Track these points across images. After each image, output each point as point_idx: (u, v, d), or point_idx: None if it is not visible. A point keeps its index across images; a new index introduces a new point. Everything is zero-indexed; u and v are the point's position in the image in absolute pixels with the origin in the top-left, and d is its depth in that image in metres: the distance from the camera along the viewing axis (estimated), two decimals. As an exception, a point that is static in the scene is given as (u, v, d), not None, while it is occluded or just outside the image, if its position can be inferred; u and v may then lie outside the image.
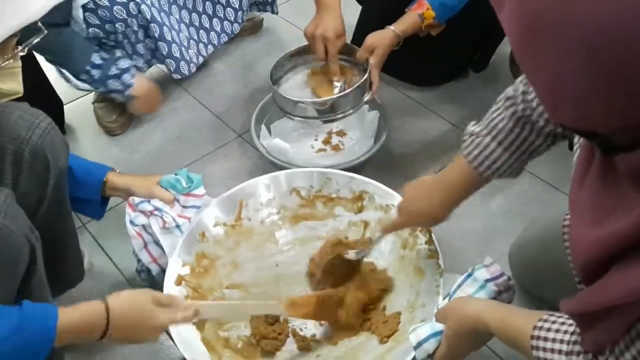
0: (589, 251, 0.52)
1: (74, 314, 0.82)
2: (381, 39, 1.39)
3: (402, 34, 1.39)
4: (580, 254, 0.53)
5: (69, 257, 1.17)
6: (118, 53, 1.53)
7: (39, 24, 0.81)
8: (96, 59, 1.48)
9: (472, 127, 0.93)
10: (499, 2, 0.43)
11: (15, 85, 0.85)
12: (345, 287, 1.13)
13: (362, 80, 1.39)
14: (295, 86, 1.50)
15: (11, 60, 0.81)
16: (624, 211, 0.47)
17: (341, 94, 1.39)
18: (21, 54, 0.82)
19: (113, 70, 1.50)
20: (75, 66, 1.48)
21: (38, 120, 0.98)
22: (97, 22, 1.46)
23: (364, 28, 1.61)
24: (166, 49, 1.58)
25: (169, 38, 1.57)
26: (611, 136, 0.43)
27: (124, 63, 1.52)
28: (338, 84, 1.47)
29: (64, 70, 1.53)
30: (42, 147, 0.97)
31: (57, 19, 1.40)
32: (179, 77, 1.65)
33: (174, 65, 1.62)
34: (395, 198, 1.19)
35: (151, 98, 1.61)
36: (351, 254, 1.14)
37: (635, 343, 0.52)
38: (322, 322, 1.12)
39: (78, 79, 1.52)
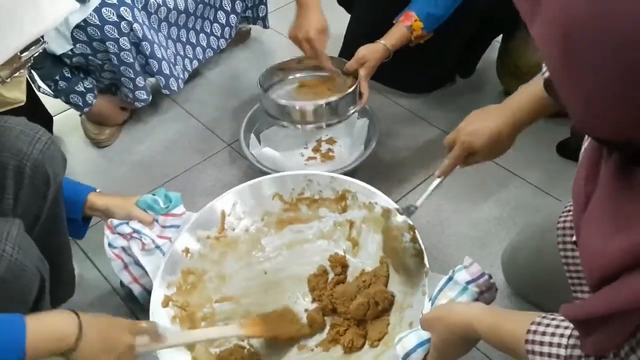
0: (610, 261, 0.50)
1: (42, 319, 0.79)
2: (373, 52, 1.40)
3: (392, 47, 1.41)
4: (597, 263, 0.52)
5: (63, 273, 1.15)
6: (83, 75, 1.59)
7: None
8: (66, 71, 1.53)
9: None
10: (531, 12, 0.42)
11: (18, 94, 0.84)
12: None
13: (352, 89, 1.39)
14: (283, 96, 1.49)
15: (21, 70, 0.81)
16: None
17: (330, 99, 1.38)
18: (29, 63, 0.82)
19: (79, 87, 1.56)
20: (47, 72, 1.51)
21: (38, 134, 0.97)
22: (85, 39, 1.45)
23: (352, 37, 1.61)
24: (156, 66, 1.58)
25: (159, 55, 1.57)
26: None
27: (89, 83, 1.58)
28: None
29: (33, 71, 1.54)
30: (43, 162, 0.96)
31: None
32: (168, 93, 1.66)
33: (164, 82, 1.62)
34: (378, 196, 1.18)
35: (103, 118, 1.68)
36: (399, 216, 1.09)
37: None
38: (278, 338, 1.10)
39: (44, 82, 1.55)
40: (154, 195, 1.16)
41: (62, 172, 1.03)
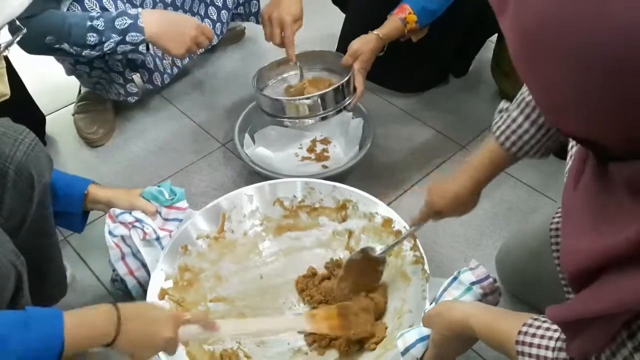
0: (585, 260, 0.50)
1: (80, 312, 0.79)
2: (365, 44, 1.39)
3: (385, 37, 1.39)
4: (573, 262, 0.52)
5: (52, 274, 1.14)
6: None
7: (17, 22, 0.79)
8: (93, 13, 1.37)
9: (504, 104, 0.91)
10: (501, 4, 0.42)
11: (2, 87, 0.83)
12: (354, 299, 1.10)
13: (344, 81, 1.38)
14: (274, 94, 1.48)
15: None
16: (623, 222, 0.46)
17: (323, 92, 1.37)
18: (5, 53, 0.80)
19: (115, 15, 1.36)
20: (77, 31, 1.34)
21: (22, 136, 0.95)
22: None
23: (348, 36, 1.61)
24: (139, 60, 1.57)
25: None
26: (612, 147, 0.42)
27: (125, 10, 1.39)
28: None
29: (71, 49, 1.38)
30: (27, 164, 0.94)
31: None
32: (151, 87, 1.65)
33: (147, 76, 1.62)
34: (379, 206, 1.19)
35: (174, 33, 1.40)
36: (376, 251, 1.11)
37: (621, 350, 0.51)
38: (345, 335, 1.06)
39: (85, 46, 1.36)
40: (159, 187, 1.15)
41: (48, 174, 1.01)
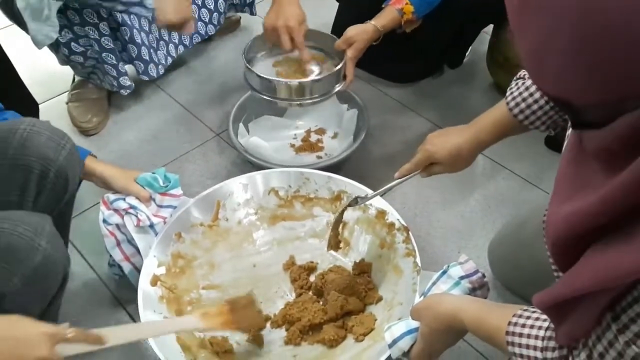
0: (556, 228, 0.51)
1: None
2: (362, 33, 1.38)
3: (382, 29, 1.38)
4: (551, 232, 0.53)
5: None
6: None
7: None
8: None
9: (524, 71, 0.92)
10: None
11: None
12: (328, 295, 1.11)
13: (337, 68, 1.37)
14: (265, 72, 1.43)
15: None
16: (594, 187, 0.47)
17: (315, 77, 1.37)
18: None
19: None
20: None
21: (64, 141, 0.98)
22: (66, 22, 1.44)
23: (341, 25, 1.60)
24: (135, 52, 1.56)
25: (139, 41, 1.56)
26: (585, 110, 0.43)
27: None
28: (315, 69, 1.45)
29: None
30: (66, 168, 0.98)
31: None
32: (147, 78, 1.65)
33: (142, 68, 1.61)
34: (374, 198, 1.19)
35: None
36: (360, 200, 1.11)
37: (606, 334, 0.52)
38: (246, 331, 1.07)
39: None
40: (153, 174, 1.15)
41: (78, 177, 1.05)
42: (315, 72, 1.44)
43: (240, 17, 2.02)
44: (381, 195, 1.14)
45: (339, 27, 1.61)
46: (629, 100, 0.40)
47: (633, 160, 0.42)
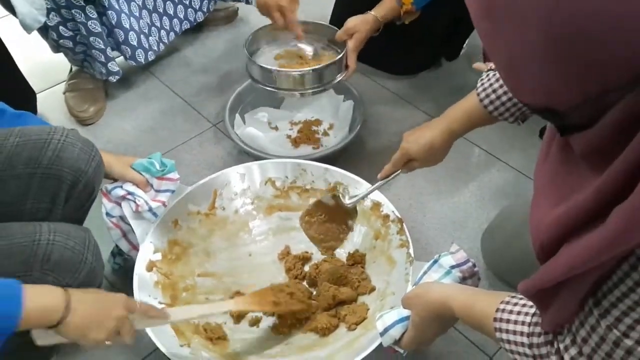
0: (547, 230, 0.52)
1: (35, 289, 0.79)
2: (362, 24, 1.39)
3: (382, 19, 1.39)
4: (539, 234, 0.54)
5: None
6: None
7: None
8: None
9: None
10: None
11: None
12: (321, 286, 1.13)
13: (338, 57, 1.38)
14: (265, 62, 1.46)
15: None
16: (579, 188, 0.48)
17: (316, 67, 1.38)
18: None
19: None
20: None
21: (93, 153, 1.02)
22: (53, 6, 1.45)
23: (339, 16, 1.61)
24: (122, 36, 1.56)
25: (127, 25, 1.56)
26: (569, 114, 0.44)
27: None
28: (309, 48, 1.47)
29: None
30: (93, 179, 1.02)
31: None
32: (134, 64, 1.65)
33: (129, 53, 1.61)
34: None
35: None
36: (346, 199, 1.14)
37: (589, 319, 0.53)
38: (274, 314, 1.11)
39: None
40: (149, 159, 1.15)
41: (100, 186, 1.08)
42: (309, 51, 1.46)
43: (238, 8, 2.02)
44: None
45: (336, 20, 1.62)
46: (610, 92, 0.40)
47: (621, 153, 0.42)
